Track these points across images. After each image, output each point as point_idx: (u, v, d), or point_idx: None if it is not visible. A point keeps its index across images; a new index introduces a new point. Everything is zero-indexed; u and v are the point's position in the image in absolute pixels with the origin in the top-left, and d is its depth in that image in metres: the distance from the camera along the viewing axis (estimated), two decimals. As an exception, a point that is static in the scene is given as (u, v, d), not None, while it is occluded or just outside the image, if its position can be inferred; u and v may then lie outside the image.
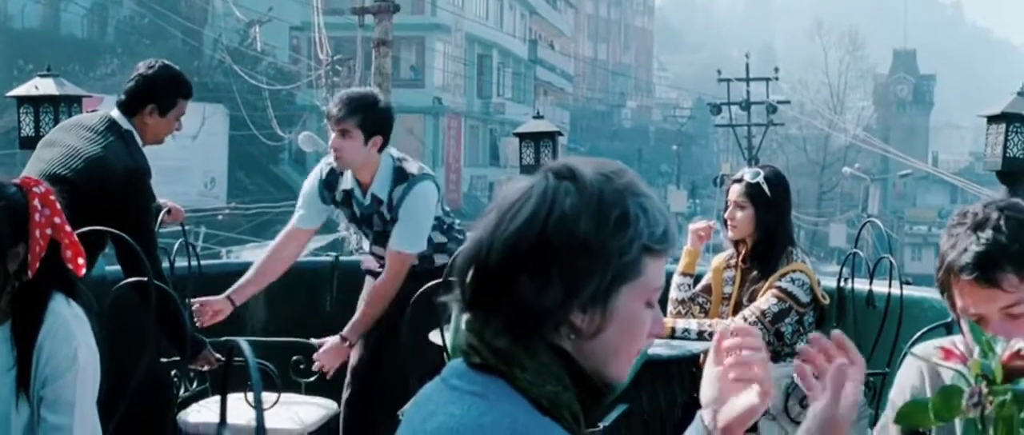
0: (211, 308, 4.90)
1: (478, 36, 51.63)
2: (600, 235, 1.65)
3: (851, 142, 60.76)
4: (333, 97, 4.92)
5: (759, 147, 37.61)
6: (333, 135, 4.79)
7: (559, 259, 1.64)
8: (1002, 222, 2.31)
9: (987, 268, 2.29)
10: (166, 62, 4.76)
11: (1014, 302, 2.31)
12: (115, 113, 4.58)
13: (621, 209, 1.67)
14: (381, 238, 5.04)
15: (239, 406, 4.45)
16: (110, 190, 4.34)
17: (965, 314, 2.35)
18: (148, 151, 4.62)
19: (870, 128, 67.67)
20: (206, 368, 4.68)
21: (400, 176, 4.90)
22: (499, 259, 1.65)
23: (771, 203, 4.76)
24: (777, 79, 38.17)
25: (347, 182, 4.96)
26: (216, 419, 4.52)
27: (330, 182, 5.01)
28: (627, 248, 1.67)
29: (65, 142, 4.52)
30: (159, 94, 4.60)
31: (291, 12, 37.49)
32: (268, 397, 4.30)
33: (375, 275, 5.16)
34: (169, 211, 5.30)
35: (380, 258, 5.13)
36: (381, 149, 4.83)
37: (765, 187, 4.76)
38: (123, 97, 4.61)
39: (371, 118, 4.74)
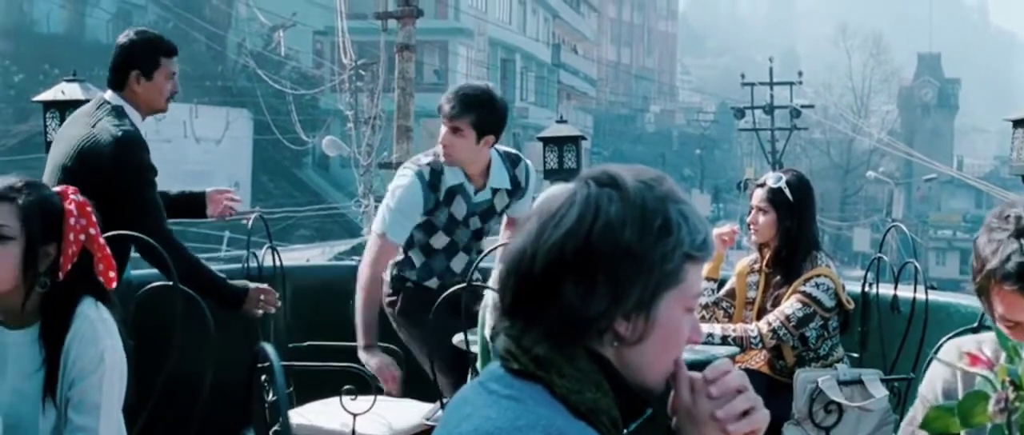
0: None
1: (501, 40, 51.67)
2: (644, 242, 1.66)
3: (875, 146, 60.56)
4: (447, 91, 4.69)
5: (783, 151, 37.51)
6: (443, 130, 4.61)
7: (604, 266, 1.65)
8: None
9: None
10: (143, 29, 4.76)
11: None
12: (107, 93, 4.59)
13: (664, 217, 1.68)
14: (477, 236, 4.88)
15: (330, 409, 4.45)
16: (103, 165, 4.33)
17: (1003, 321, 2.31)
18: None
19: (894, 132, 67.51)
20: (264, 309, 4.60)
21: (513, 159, 4.85)
22: (544, 266, 1.66)
23: (793, 208, 4.75)
24: (801, 83, 38.08)
25: (454, 177, 4.71)
26: (305, 422, 4.53)
27: (433, 182, 4.70)
28: (670, 255, 1.68)
29: (65, 133, 4.58)
30: (139, 58, 4.57)
31: (314, 17, 37.64)
32: (365, 401, 4.31)
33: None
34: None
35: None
36: (492, 146, 4.71)
37: (787, 192, 4.75)
38: (109, 75, 4.62)
39: (485, 117, 4.57)
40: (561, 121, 7.90)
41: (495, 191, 4.80)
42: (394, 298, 4.88)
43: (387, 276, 4.86)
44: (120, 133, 4.39)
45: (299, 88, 38.10)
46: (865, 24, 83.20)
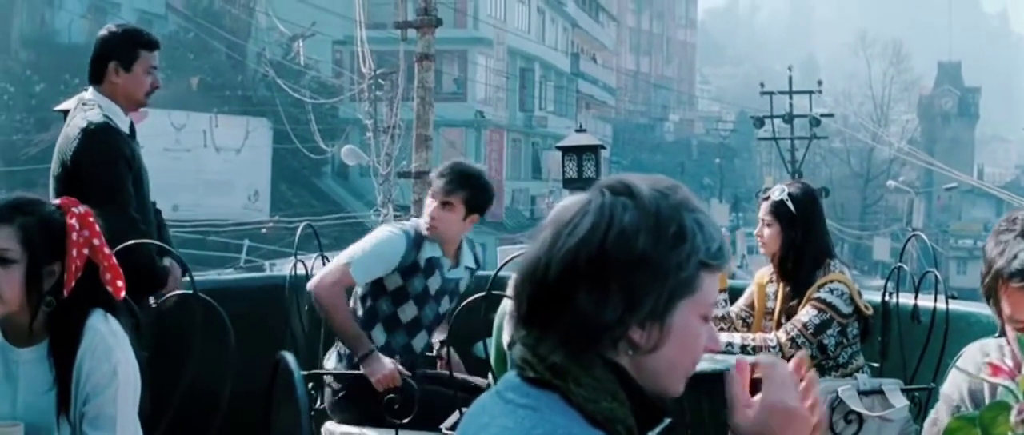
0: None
1: (520, 49, 51.67)
2: (658, 250, 1.66)
3: (895, 155, 60.46)
4: (439, 167, 4.85)
5: (802, 160, 37.40)
6: (433, 204, 4.70)
7: (618, 274, 1.65)
8: None
9: None
10: (122, 22, 4.78)
11: None
12: (88, 91, 4.63)
13: (678, 225, 1.68)
14: (438, 320, 4.89)
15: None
16: (72, 158, 4.40)
17: (1012, 322, 2.32)
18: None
19: (914, 141, 67.34)
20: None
21: (470, 242, 4.97)
22: (557, 274, 1.66)
23: (796, 219, 4.76)
24: (820, 92, 37.95)
25: (433, 250, 4.77)
26: (358, 431, 4.55)
27: (417, 242, 4.72)
28: (684, 264, 1.68)
29: (57, 143, 4.62)
30: (116, 49, 4.60)
31: (334, 26, 37.73)
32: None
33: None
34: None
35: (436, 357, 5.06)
36: (472, 225, 4.84)
37: (789, 204, 4.76)
38: (89, 69, 4.64)
39: (476, 195, 4.70)
40: (580, 130, 7.94)
41: (467, 269, 4.93)
42: (339, 387, 4.71)
43: (332, 360, 4.83)
44: (85, 123, 4.44)
45: (318, 97, 38.21)
46: (884, 32, 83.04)
